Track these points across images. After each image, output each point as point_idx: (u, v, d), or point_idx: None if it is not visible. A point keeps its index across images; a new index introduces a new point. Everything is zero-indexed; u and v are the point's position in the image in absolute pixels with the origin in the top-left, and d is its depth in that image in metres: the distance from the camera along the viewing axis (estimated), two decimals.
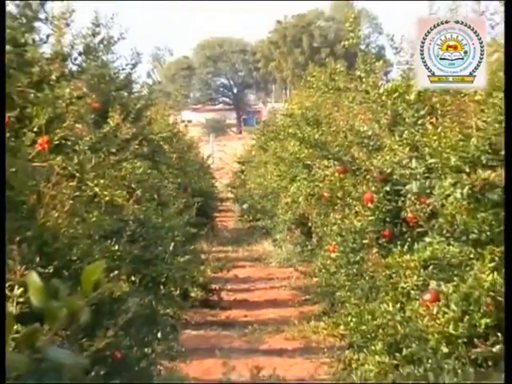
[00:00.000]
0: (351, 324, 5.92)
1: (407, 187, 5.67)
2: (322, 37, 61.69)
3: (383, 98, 6.34)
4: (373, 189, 6.60)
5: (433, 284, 4.96)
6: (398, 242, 5.77)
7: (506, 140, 2.81)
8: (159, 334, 5.97)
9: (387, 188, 6.39)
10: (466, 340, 4.67)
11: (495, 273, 4.59)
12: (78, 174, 5.53)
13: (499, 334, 4.43)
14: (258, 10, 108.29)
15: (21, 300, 3.06)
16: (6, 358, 1.22)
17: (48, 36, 6.07)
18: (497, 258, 4.65)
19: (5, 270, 1.05)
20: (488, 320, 4.62)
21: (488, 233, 4.73)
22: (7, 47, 4.79)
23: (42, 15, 5.25)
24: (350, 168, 7.39)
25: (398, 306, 5.18)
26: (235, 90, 74.32)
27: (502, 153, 4.74)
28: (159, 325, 6.12)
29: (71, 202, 4.82)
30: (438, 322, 4.73)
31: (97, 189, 5.80)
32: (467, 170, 4.75)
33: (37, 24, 5.23)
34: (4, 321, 1.36)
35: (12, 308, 3.04)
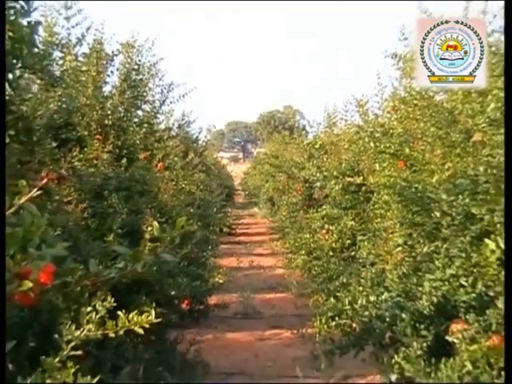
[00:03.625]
0: (291, 243, 5.91)
1: (315, 184, 5.65)
2: (279, 120, 61.20)
3: (305, 146, 6.31)
4: (301, 185, 6.58)
5: (326, 226, 4.93)
6: (312, 208, 5.75)
7: (506, 139, 1.69)
8: (210, 247, 5.91)
9: (307, 185, 6.37)
10: (340, 250, 4.66)
11: (353, 221, 4.57)
12: (175, 179, 5.49)
13: (354, 247, 4.40)
14: (254, 102, 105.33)
15: (151, 233, 3.00)
16: (142, 257, 1.18)
17: (163, 120, 6.06)
18: (353, 215, 4.63)
19: (4, 269, 0.95)
20: (349, 241, 4.60)
21: (349, 204, 4.70)
22: (145, 125, 4.72)
23: (160, 111, 5.20)
24: (291, 176, 7.37)
25: (311, 235, 5.15)
26: (242, 143, 73.83)
27: (356, 170, 4.70)
28: (210, 243, 6.05)
29: (172, 191, 4.78)
30: (328, 242, 4.70)
31: (183, 185, 5.77)
32: (341, 177, 4.72)
33: (158, 115, 5.18)
34: (4, 322, 0.95)
35: (147, 235, 2.99)
